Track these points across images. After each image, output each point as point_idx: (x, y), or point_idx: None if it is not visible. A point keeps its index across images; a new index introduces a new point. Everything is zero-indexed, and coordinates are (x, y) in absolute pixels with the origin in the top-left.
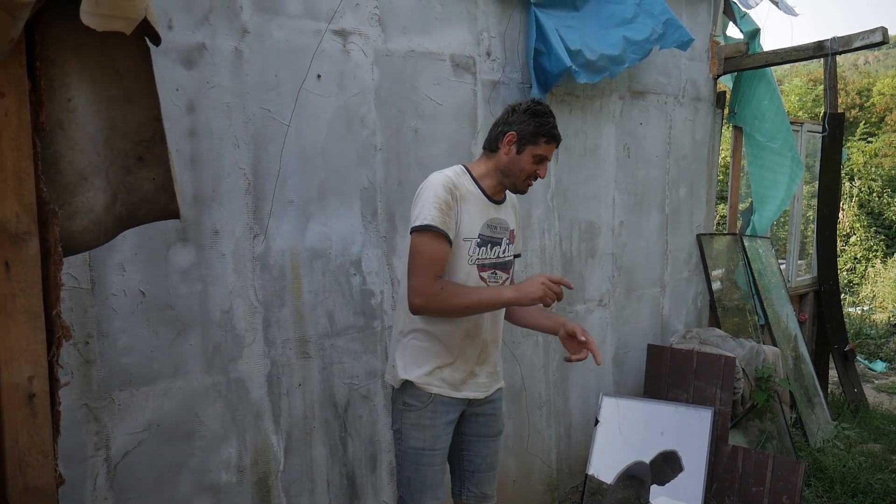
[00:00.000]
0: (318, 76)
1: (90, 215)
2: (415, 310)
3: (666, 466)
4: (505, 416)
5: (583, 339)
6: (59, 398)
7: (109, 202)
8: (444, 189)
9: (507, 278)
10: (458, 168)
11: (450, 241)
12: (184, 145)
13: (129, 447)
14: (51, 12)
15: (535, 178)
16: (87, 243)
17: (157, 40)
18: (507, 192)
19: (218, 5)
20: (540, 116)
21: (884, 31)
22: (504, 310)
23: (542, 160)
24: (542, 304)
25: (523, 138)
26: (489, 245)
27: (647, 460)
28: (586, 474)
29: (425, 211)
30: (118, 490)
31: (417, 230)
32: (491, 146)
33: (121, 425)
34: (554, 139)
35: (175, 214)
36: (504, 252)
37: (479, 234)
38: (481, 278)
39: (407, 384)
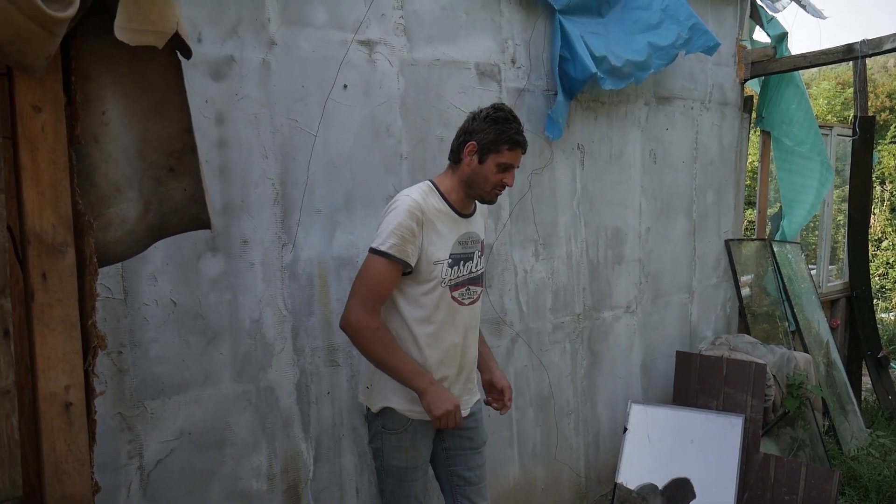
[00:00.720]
0: (345, 86)
1: (124, 226)
2: (343, 327)
3: (678, 493)
4: (533, 424)
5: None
6: (94, 407)
7: (142, 213)
8: (410, 216)
9: (481, 291)
10: (426, 186)
11: (406, 270)
12: (213, 156)
13: (162, 455)
14: (85, 28)
15: (503, 188)
16: (121, 254)
17: (188, 54)
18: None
19: (246, 18)
20: (500, 123)
21: None
22: (477, 328)
23: (507, 168)
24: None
25: (484, 147)
26: (462, 262)
27: (676, 469)
28: (615, 482)
29: (385, 235)
30: (151, 498)
31: (375, 252)
32: (454, 157)
33: (153, 434)
34: (518, 145)
35: (206, 225)
36: (476, 266)
37: (451, 255)
38: (454, 298)
39: (387, 410)
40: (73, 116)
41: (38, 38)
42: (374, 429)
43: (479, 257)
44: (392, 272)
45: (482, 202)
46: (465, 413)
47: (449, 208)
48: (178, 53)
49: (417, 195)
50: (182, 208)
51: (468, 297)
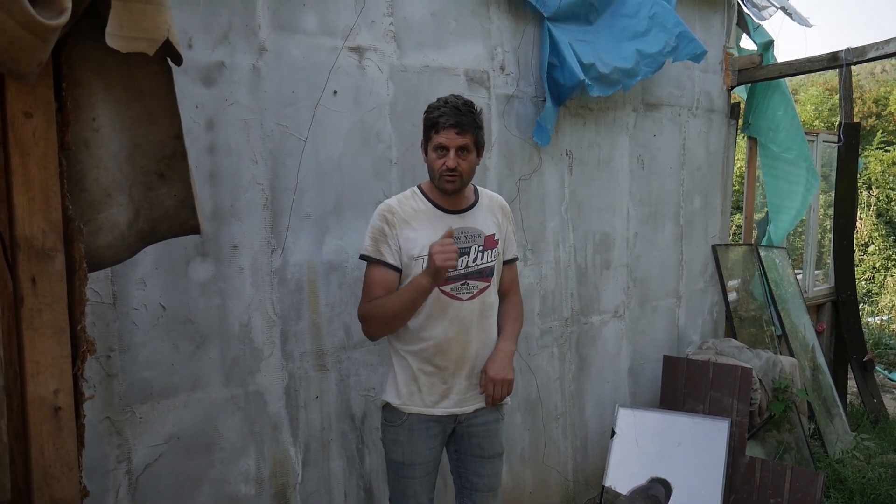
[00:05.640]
0: (335, 92)
1: (114, 231)
2: (365, 334)
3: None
4: (521, 428)
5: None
6: (83, 411)
7: (132, 218)
8: (379, 217)
9: (487, 286)
10: (409, 190)
11: (390, 265)
12: (203, 161)
13: (150, 460)
14: (76, 35)
15: (451, 173)
16: (111, 259)
17: (178, 60)
18: (487, 196)
19: (236, 24)
20: (427, 112)
21: None
22: (489, 327)
23: (442, 149)
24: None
25: (424, 140)
26: None
27: (662, 473)
28: (603, 486)
29: (365, 241)
30: (139, 503)
31: (361, 258)
32: None
33: (142, 438)
34: (442, 126)
35: (196, 230)
36: (475, 260)
37: None
38: (444, 292)
39: (387, 404)
40: (64, 122)
41: (30, 46)
42: (381, 421)
43: (481, 252)
44: (374, 271)
45: (443, 191)
46: (468, 410)
47: (431, 206)
48: (169, 60)
49: (393, 199)
50: (172, 213)
51: (466, 293)
